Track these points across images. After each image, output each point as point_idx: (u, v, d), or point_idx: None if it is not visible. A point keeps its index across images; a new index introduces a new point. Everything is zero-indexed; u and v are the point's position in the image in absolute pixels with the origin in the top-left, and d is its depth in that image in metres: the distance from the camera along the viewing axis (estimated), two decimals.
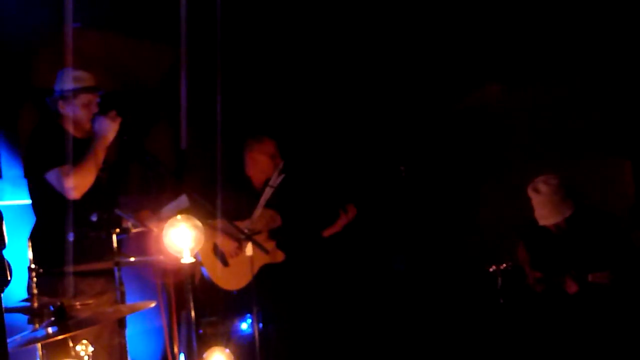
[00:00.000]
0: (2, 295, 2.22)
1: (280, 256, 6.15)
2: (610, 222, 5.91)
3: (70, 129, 4.82)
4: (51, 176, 4.63)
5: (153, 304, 3.91)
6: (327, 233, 6.42)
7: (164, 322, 4.74)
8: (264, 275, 5.95)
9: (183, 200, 4.80)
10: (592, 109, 7.22)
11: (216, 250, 5.89)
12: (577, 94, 7.29)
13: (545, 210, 5.84)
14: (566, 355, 5.76)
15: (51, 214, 4.69)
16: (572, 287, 5.75)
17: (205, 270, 5.87)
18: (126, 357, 4.27)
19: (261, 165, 6.20)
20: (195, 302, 5.72)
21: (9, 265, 2.28)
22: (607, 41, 6.97)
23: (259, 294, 5.78)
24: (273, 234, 6.11)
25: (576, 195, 5.86)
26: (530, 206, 5.96)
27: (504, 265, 6.07)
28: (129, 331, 4.49)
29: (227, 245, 5.86)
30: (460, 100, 7.75)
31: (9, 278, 2.26)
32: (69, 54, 4.86)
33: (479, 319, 6.75)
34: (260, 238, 5.90)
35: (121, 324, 4.31)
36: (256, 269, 5.87)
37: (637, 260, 5.84)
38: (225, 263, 5.89)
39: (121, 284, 4.52)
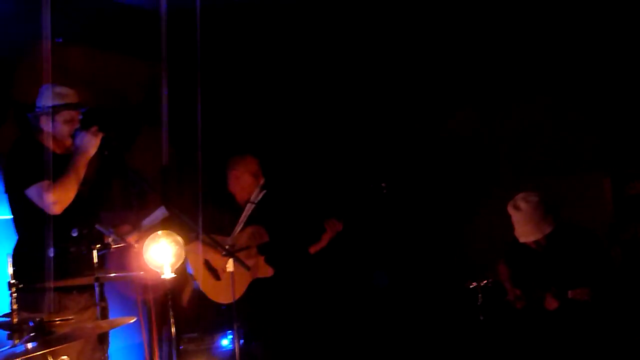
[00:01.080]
0: None
1: (270, 271, 6.16)
2: (590, 239, 5.93)
3: (51, 144, 4.80)
4: (32, 192, 4.61)
5: (133, 320, 3.89)
6: (313, 249, 6.41)
7: (144, 338, 4.72)
8: (255, 290, 5.98)
9: (161, 211, 4.79)
10: (572, 126, 7.28)
11: (208, 265, 5.90)
12: (556, 112, 7.34)
13: (525, 227, 5.85)
14: None
15: (32, 230, 4.66)
16: (552, 304, 5.77)
17: (198, 284, 5.88)
18: None
19: (243, 182, 6.21)
20: (185, 316, 5.75)
21: None
22: (585, 61, 7.03)
23: (249, 308, 5.82)
24: (262, 249, 6.12)
25: (556, 212, 5.88)
26: (510, 223, 5.98)
27: (485, 281, 6.09)
28: (110, 347, 4.48)
29: (217, 260, 5.86)
30: (442, 121, 7.78)
31: None
32: (50, 69, 4.85)
33: (459, 335, 6.76)
34: (249, 253, 5.95)
35: (103, 339, 4.29)
36: (248, 283, 5.95)
37: (616, 277, 5.87)
38: (217, 277, 5.89)
39: (104, 299, 4.51)
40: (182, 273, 5.90)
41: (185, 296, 6.06)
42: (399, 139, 7.78)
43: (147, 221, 4.81)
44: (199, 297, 5.93)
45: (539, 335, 5.89)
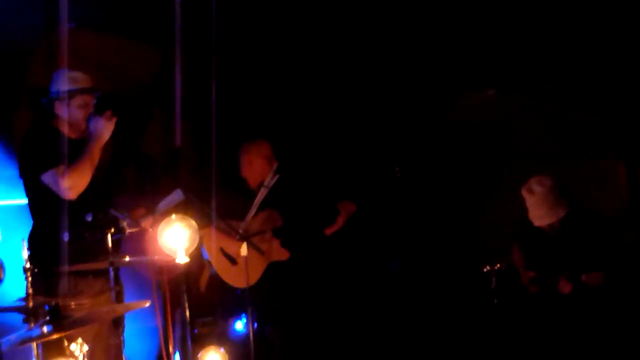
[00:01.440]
0: None
1: (285, 254, 6.17)
2: (604, 223, 5.92)
3: (66, 129, 4.83)
4: (47, 177, 4.63)
5: (147, 304, 3.91)
6: (329, 231, 6.42)
7: (159, 321, 4.75)
8: (271, 274, 6.01)
9: (177, 194, 4.81)
10: (586, 110, 7.23)
11: (223, 250, 5.92)
12: (571, 96, 7.30)
13: (539, 210, 5.85)
14: (560, 356, 5.77)
15: (47, 215, 4.69)
16: (565, 288, 5.76)
17: (214, 269, 5.90)
18: (122, 357, 4.28)
19: (256, 166, 6.21)
20: (202, 300, 5.78)
21: (1, 264, 2.29)
22: (599, 43, 6.99)
23: (265, 292, 5.84)
24: (277, 233, 6.14)
25: (570, 196, 5.87)
26: (524, 207, 5.98)
27: (498, 265, 6.09)
28: (125, 331, 4.51)
29: (232, 245, 5.87)
30: (456, 105, 7.76)
31: (2, 277, 2.27)
32: (64, 54, 4.86)
33: (473, 319, 6.77)
34: (263, 237, 5.98)
35: (118, 323, 4.32)
36: (264, 267, 5.96)
37: (630, 261, 5.86)
38: (233, 262, 5.91)
39: (119, 283, 4.54)
40: (199, 258, 5.94)
41: (203, 281, 6.09)
42: (412, 123, 7.75)
43: (162, 205, 4.83)
44: (216, 282, 5.96)
45: (553, 319, 5.89)
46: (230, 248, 5.90)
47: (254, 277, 5.88)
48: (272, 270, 6.03)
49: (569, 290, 5.74)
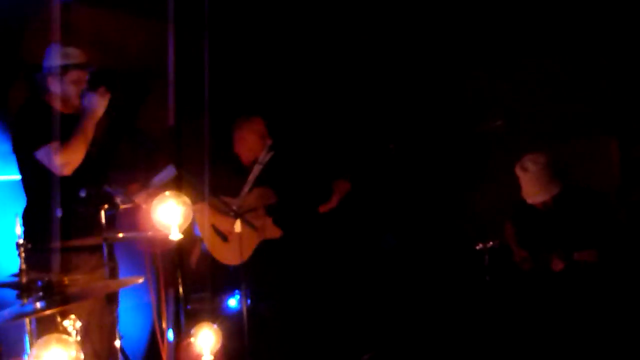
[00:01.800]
0: None
1: (278, 232, 6.19)
2: (597, 201, 5.94)
3: (59, 105, 4.80)
4: (41, 154, 4.61)
5: (141, 280, 3.92)
6: (323, 209, 6.44)
7: (152, 298, 4.76)
8: (263, 251, 6.01)
9: (170, 170, 4.81)
10: (580, 87, 7.23)
11: (215, 227, 5.93)
12: (564, 73, 7.29)
13: (533, 188, 5.86)
14: (552, 333, 5.80)
15: (40, 191, 4.67)
16: (558, 265, 5.79)
17: (205, 246, 5.91)
18: (116, 333, 4.29)
19: (250, 144, 6.21)
20: (192, 278, 5.78)
21: None
22: (594, 20, 6.98)
23: (257, 269, 5.86)
24: (269, 211, 6.15)
25: (563, 173, 5.88)
26: (517, 185, 5.99)
27: (491, 243, 6.12)
28: (119, 307, 4.52)
29: (224, 221, 5.88)
30: (449, 83, 7.76)
31: None
32: (58, 29, 4.83)
33: (465, 297, 6.79)
34: (257, 214, 5.98)
35: (112, 299, 4.32)
36: (255, 244, 5.99)
37: (623, 239, 5.88)
38: (224, 238, 5.92)
39: (113, 259, 4.54)
40: (190, 234, 5.94)
41: (194, 258, 6.10)
42: (407, 100, 7.75)
43: (155, 181, 4.83)
44: (207, 258, 5.97)
45: (545, 297, 5.91)
46: (222, 225, 5.91)
47: (246, 254, 5.90)
48: (265, 247, 6.04)
49: (561, 267, 5.77)
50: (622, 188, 7.09)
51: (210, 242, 5.90)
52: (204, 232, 5.88)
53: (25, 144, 4.69)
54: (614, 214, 6.06)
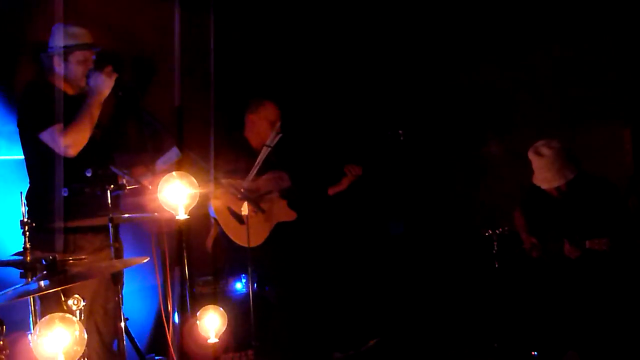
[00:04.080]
0: None
1: (292, 215, 6.19)
2: (609, 190, 5.90)
3: (65, 85, 4.77)
4: (45, 136, 4.57)
5: (146, 259, 3.89)
6: (332, 191, 6.42)
7: (158, 280, 4.72)
8: (277, 234, 6.02)
9: (175, 152, 4.77)
10: (593, 76, 7.19)
11: (231, 210, 5.89)
12: (578, 61, 7.25)
13: (547, 173, 5.81)
14: (560, 321, 5.76)
15: (46, 171, 4.62)
16: (572, 252, 5.74)
17: (221, 227, 5.88)
18: (120, 314, 4.26)
19: (259, 128, 6.17)
20: (206, 259, 5.75)
21: None
22: (608, 6, 6.93)
23: (271, 252, 5.89)
24: (284, 194, 6.12)
25: (577, 159, 5.84)
26: (529, 171, 5.94)
27: (500, 229, 6.08)
28: (125, 289, 4.49)
29: (238, 204, 5.84)
30: (460, 68, 7.71)
31: None
32: (64, 9, 4.79)
33: (474, 283, 6.76)
34: (271, 198, 6.02)
35: (117, 280, 4.27)
36: (270, 227, 6.02)
37: (634, 228, 5.83)
38: (241, 221, 5.88)
39: (118, 240, 4.51)
40: (205, 217, 5.92)
41: (210, 240, 6.08)
42: (417, 86, 7.70)
43: (160, 162, 4.79)
44: (224, 241, 5.94)
45: (555, 284, 5.87)
46: (237, 207, 5.87)
47: (260, 238, 5.92)
48: (278, 231, 6.02)
49: (576, 255, 5.72)
50: (633, 177, 7.03)
51: (227, 225, 5.86)
52: (220, 215, 5.85)
53: (30, 125, 4.66)
54: (625, 203, 6.01)
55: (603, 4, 6.93)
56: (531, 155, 5.87)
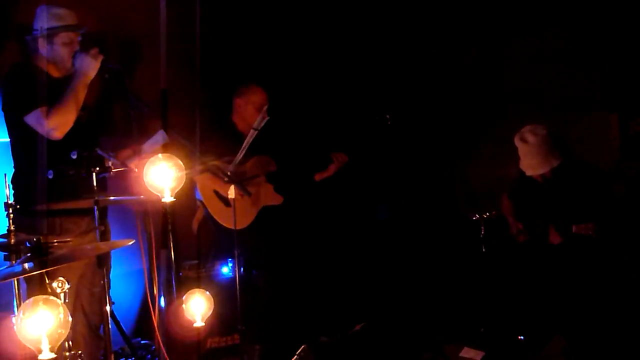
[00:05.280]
0: None
1: (278, 199, 6.19)
2: (595, 175, 5.90)
3: (50, 67, 4.73)
4: (30, 118, 4.53)
5: (131, 242, 3.86)
6: (319, 177, 6.42)
7: (144, 263, 4.70)
8: (264, 217, 6.01)
9: (161, 135, 4.74)
10: (578, 62, 7.19)
11: (217, 193, 5.88)
12: (565, 47, 7.25)
13: (532, 160, 5.81)
14: (547, 305, 5.77)
15: (31, 153, 4.58)
16: (556, 238, 5.75)
17: (207, 210, 5.86)
18: (107, 298, 4.23)
19: (246, 113, 6.14)
20: (191, 242, 5.74)
21: None
22: None
23: (256, 235, 5.88)
24: (270, 178, 6.10)
25: (563, 146, 5.84)
26: (516, 156, 5.94)
27: (487, 214, 6.08)
28: (111, 273, 4.47)
29: (224, 187, 5.82)
30: (447, 53, 7.70)
31: None
32: None
33: (461, 267, 6.77)
34: (258, 182, 6.01)
35: (102, 263, 4.24)
36: (257, 211, 6.01)
37: (620, 213, 5.85)
38: (227, 204, 5.86)
39: (104, 223, 4.49)
40: (191, 200, 5.90)
41: (195, 223, 6.06)
42: (404, 71, 7.69)
43: (146, 145, 4.76)
44: (210, 223, 5.93)
45: (541, 269, 5.88)
46: (224, 190, 5.86)
47: (246, 221, 5.91)
48: (264, 215, 6.01)
49: (559, 240, 5.74)
50: (619, 162, 7.05)
51: (213, 208, 5.85)
52: (206, 198, 5.83)
53: (15, 107, 4.62)
54: (611, 189, 6.02)
55: None
56: (517, 142, 5.87)
